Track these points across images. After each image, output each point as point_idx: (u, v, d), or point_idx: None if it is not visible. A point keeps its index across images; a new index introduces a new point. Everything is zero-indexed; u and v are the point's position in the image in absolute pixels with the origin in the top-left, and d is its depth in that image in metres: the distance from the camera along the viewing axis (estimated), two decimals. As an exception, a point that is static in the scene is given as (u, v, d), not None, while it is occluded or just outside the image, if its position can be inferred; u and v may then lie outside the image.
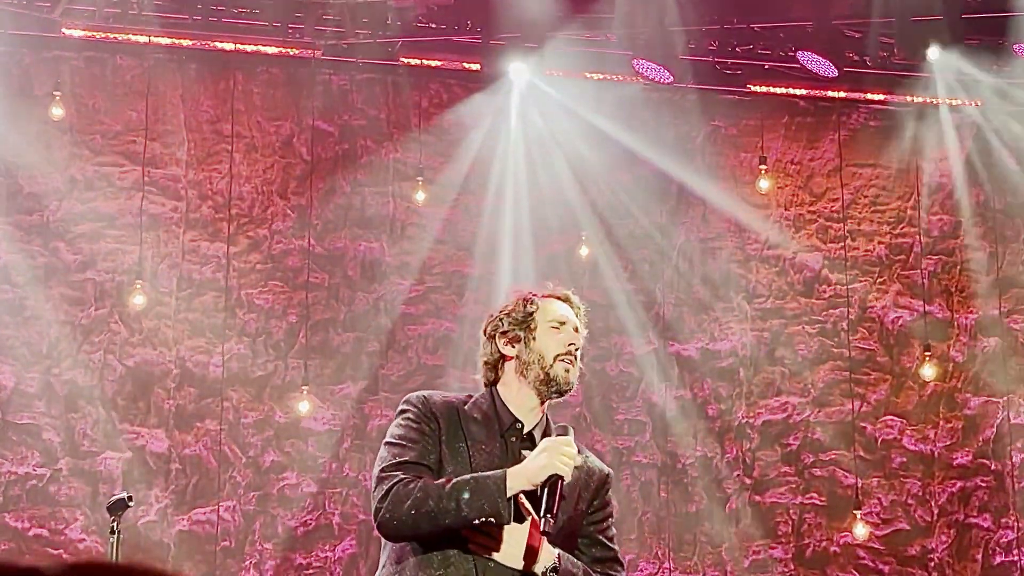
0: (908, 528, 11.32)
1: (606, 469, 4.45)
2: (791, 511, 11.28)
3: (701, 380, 11.40)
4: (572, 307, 4.46)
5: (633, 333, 11.38)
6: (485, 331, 4.48)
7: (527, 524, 4.10)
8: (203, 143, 11.09)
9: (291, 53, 11.07)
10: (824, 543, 11.23)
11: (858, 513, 11.00)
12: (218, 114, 11.13)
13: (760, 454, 11.35)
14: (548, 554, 4.11)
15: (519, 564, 4.09)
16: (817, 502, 11.30)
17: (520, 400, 4.32)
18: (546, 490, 3.99)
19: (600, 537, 4.34)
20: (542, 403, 4.30)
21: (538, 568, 4.09)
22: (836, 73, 11.00)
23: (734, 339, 11.51)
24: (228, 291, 10.90)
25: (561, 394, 4.29)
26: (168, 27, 10.66)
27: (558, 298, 4.48)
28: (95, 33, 10.72)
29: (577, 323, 4.41)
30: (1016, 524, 11.30)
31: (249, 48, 11.00)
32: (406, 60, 11.16)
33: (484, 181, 11.29)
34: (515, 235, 11.28)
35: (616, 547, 4.39)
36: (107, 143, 10.94)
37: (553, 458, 4.02)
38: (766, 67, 11.39)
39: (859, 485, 11.19)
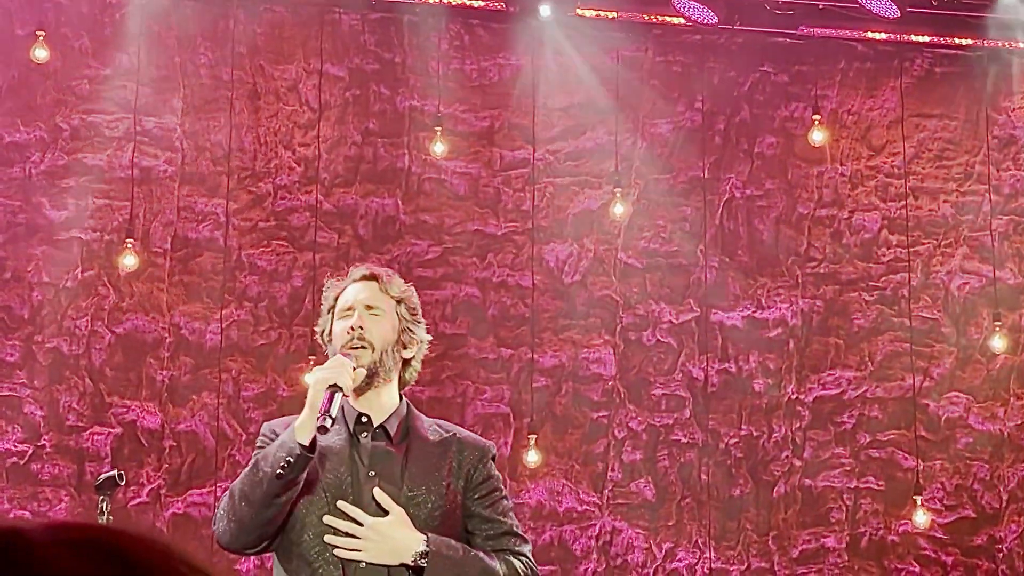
0: (974, 516, 10.95)
1: (484, 442, 4.56)
2: (845, 496, 10.91)
3: (747, 352, 11.04)
4: (371, 281, 4.50)
5: (672, 300, 11.05)
6: None
7: (392, 518, 4.17)
8: (200, 89, 10.71)
9: (298, -10, 10.93)
10: (881, 532, 10.86)
11: (919, 499, 10.61)
12: (217, 57, 10.75)
13: (811, 434, 10.97)
14: (414, 539, 4.18)
15: (390, 559, 4.16)
16: (874, 487, 10.92)
17: (356, 394, 4.41)
18: (324, 400, 4.11)
19: (487, 513, 4.39)
20: (357, 396, 4.36)
21: (407, 558, 4.14)
22: (898, 13, 10.53)
23: (783, 307, 11.13)
24: (227, 252, 10.55)
25: (364, 379, 4.33)
26: (160, -42, 10.28)
27: (356, 280, 4.54)
28: (81, -35, 10.34)
29: (369, 299, 4.44)
30: (1092, 511, 11.12)
31: (252, -15, 10.74)
32: (424, -3, 10.97)
33: (509, 132, 11.01)
34: (543, 191, 11.03)
35: (509, 520, 4.42)
36: (95, 89, 10.53)
37: (325, 371, 4.18)
38: (820, 7, 11.01)
39: (920, 468, 10.84)
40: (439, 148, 10.63)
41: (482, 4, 10.90)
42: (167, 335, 10.33)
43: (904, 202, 11.28)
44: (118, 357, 10.25)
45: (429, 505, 4.26)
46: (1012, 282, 11.27)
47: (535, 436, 10.03)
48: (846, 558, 10.80)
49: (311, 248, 10.62)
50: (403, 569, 4.17)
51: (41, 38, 10.10)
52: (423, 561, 4.13)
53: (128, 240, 10.08)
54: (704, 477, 10.83)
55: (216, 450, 10.23)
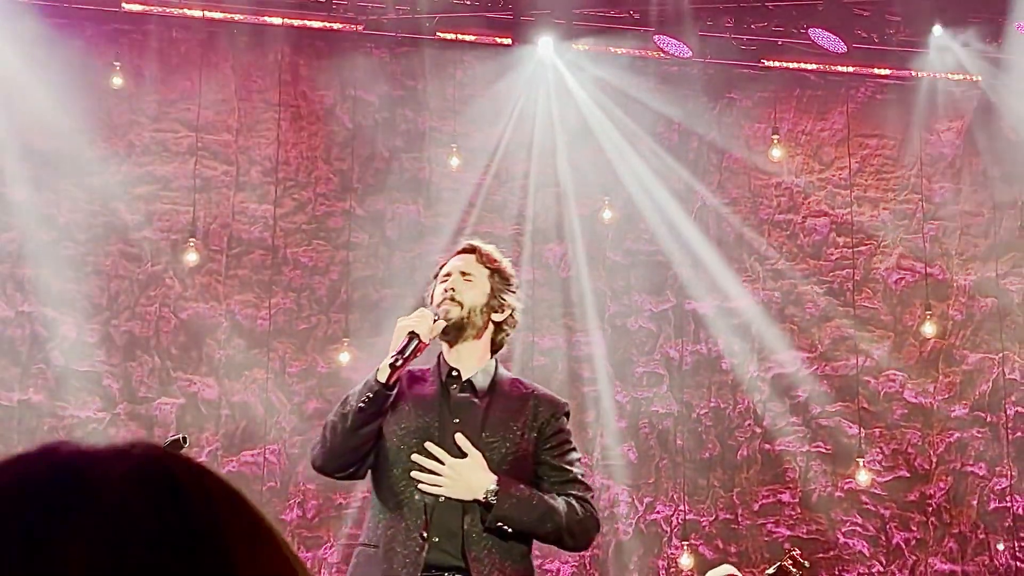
0: (908, 475, 11.33)
1: (559, 400, 4.55)
2: (798, 459, 11.30)
3: (716, 336, 11.41)
4: (469, 253, 4.57)
5: (652, 291, 11.41)
6: None
7: (469, 460, 4.24)
8: (252, 111, 11.13)
9: (335, 28, 11.14)
10: (829, 489, 11.25)
11: (861, 461, 11.04)
12: (266, 84, 11.16)
13: (770, 405, 11.36)
14: (487, 478, 4.21)
15: (465, 495, 4.21)
16: (823, 450, 11.31)
17: (449, 351, 4.48)
18: (403, 342, 4.21)
19: (556, 462, 4.39)
20: (450, 346, 4.46)
21: (477, 493, 4.19)
22: (845, 49, 10.98)
23: (747, 298, 11.50)
24: (275, 249, 10.95)
25: (447, 333, 4.41)
26: (220, 3, 10.76)
27: (458, 252, 4.62)
28: (152, 8, 10.81)
29: (465, 266, 4.51)
30: (1009, 473, 11.32)
31: (296, 23, 11.07)
32: (442, 34, 11.22)
33: (513, 148, 11.31)
34: (541, 199, 11.31)
35: (576, 469, 4.43)
36: (163, 111, 10.98)
37: (406, 321, 4.27)
38: (779, 43, 11.37)
39: (862, 435, 11.22)
40: (455, 162, 11.04)
41: (491, 40, 11.29)
42: (223, 320, 10.73)
43: (849, 209, 11.59)
44: (182, 338, 10.67)
45: (503, 450, 4.29)
46: (941, 277, 11.59)
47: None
48: (799, 511, 11.14)
49: (346, 247, 10.97)
50: (475, 504, 4.21)
51: (117, 67, 10.63)
52: (493, 498, 4.16)
53: (191, 239, 10.51)
54: (679, 442, 11.16)
55: (265, 418, 10.63)
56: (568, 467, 4.40)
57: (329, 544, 10.65)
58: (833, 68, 11.59)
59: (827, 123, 11.85)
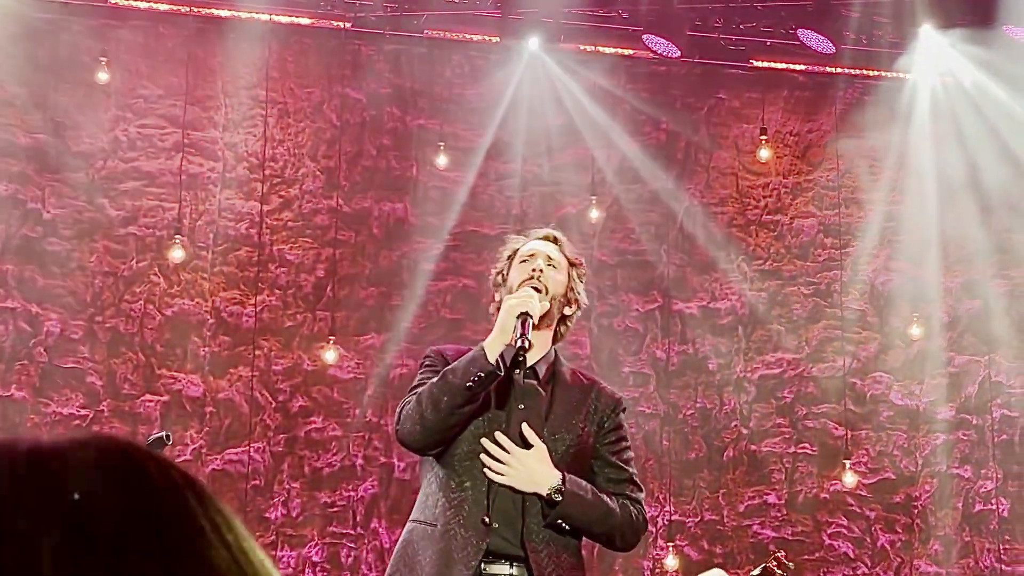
0: (894, 477, 11.31)
1: (619, 394, 4.51)
2: (784, 460, 11.28)
3: (702, 336, 11.39)
4: (550, 242, 4.52)
5: (639, 291, 11.38)
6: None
7: (535, 451, 4.18)
8: (239, 108, 11.07)
9: (323, 25, 11.11)
10: (815, 490, 11.23)
11: (847, 462, 11.03)
12: (253, 81, 11.09)
13: (756, 406, 11.34)
14: (553, 475, 4.16)
15: (528, 487, 4.15)
16: (809, 452, 11.30)
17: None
18: (517, 326, 4.10)
19: (613, 459, 4.36)
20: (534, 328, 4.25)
21: (542, 488, 4.14)
22: (833, 50, 10.99)
23: (733, 298, 11.49)
24: (261, 246, 10.91)
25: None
26: (208, -2, 10.62)
27: (540, 238, 4.56)
28: (139, 2, 10.77)
29: (550, 252, 4.46)
30: (995, 475, 11.31)
31: (284, 19, 11.04)
32: (430, 32, 11.19)
33: (501, 147, 11.27)
34: (529, 198, 11.30)
35: (631, 469, 4.40)
36: (149, 106, 10.92)
37: (514, 301, 4.17)
38: (768, 43, 11.36)
39: (848, 436, 11.21)
40: (442, 161, 11.00)
41: (480, 39, 11.28)
42: (209, 317, 10.66)
43: (837, 210, 11.57)
44: (167, 335, 10.59)
45: (566, 444, 4.24)
46: (928, 279, 11.52)
47: (521, 406, 10.45)
48: (785, 512, 11.11)
49: (332, 244, 10.91)
50: (535, 497, 4.16)
51: (104, 63, 10.54)
52: (557, 496, 4.12)
53: (176, 236, 10.42)
54: (665, 442, 11.13)
55: (250, 416, 10.56)
56: (624, 465, 4.38)
57: (313, 543, 10.59)
58: (821, 69, 11.59)
59: (815, 124, 11.84)
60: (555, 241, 4.54)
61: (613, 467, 4.36)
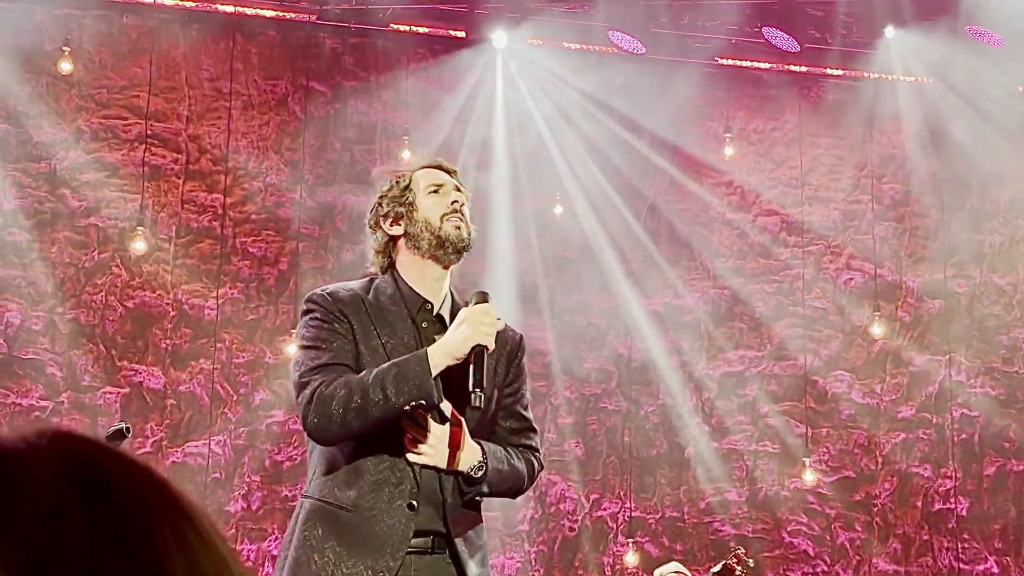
0: (854, 476, 11.31)
1: (518, 334, 4.15)
2: (745, 457, 11.25)
3: (665, 333, 11.32)
4: (445, 171, 4.14)
5: (602, 288, 11.30)
6: (368, 224, 4.16)
7: (455, 427, 3.87)
8: (203, 99, 10.95)
9: (288, 17, 10.99)
10: (775, 488, 11.21)
11: (807, 460, 11.01)
12: (218, 72, 10.99)
13: (718, 403, 11.30)
14: (473, 451, 3.86)
15: (450, 466, 3.83)
16: (770, 449, 11.27)
17: (421, 276, 3.99)
18: (471, 363, 3.70)
19: (516, 408, 4.07)
20: (446, 268, 3.99)
21: (463, 466, 3.83)
22: (798, 49, 10.98)
23: (697, 295, 11.45)
24: (224, 239, 10.79)
25: (459, 252, 3.97)
26: (172, -12, 10.51)
27: (428, 167, 4.16)
28: (103, -8, 10.56)
29: (456, 182, 4.10)
30: (954, 474, 11.31)
31: (249, 11, 10.91)
32: (396, 26, 11.09)
33: (466, 142, 11.15)
34: (494, 193, 11.16)
35: (529, 414, 4.12)
36: (112, 97, 10.79)
37: (474, 328, 3.73)
38: (732, 41, 11.31)
39: (809, 435, 11.20)
40: (406, 154, 10.75)
41: (445, 33, 11.19)
42: (171, 309, 10.53)
43: (800, 208, 11.58)
44: (128, 327, 10.45)
45: (482, 404, 3.80)
46: (890, 279, 11.56)
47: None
48: (745, 509, 11.10)
49: (296, 238, 10.81)
50: (453, 474, 3.86)
51: (67, 52, 10.35)
52: (479, 474, 3.84)
53: (139, 227, 10.28)
54: (626, 439, 11.09)
55: (211, 408, 10.44)
56: (525, 412, 4.08)
57: (274, 536, 10.47)
58: (786, 67, 11.56)
59: (779, 122, 11.82)
60: (454, 173, 4.17)
61: (514, 417, 4.05)
